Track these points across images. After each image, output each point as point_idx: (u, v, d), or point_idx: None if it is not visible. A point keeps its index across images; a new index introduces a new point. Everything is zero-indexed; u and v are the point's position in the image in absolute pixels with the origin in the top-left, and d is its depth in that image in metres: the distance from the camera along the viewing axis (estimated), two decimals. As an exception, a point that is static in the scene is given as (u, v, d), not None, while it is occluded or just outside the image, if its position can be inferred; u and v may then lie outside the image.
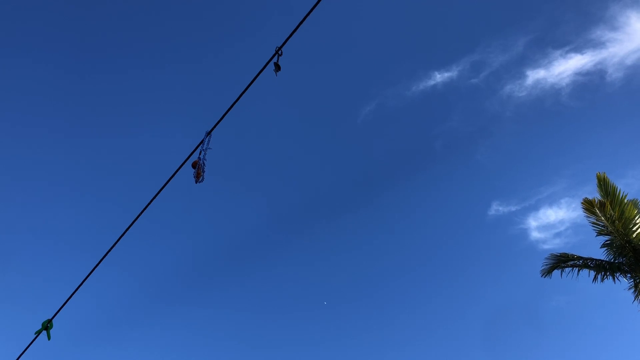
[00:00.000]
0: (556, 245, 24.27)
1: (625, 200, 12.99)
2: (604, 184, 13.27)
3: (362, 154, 28.98)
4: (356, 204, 29.65)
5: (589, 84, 24.39)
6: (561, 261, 13.81)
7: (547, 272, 14.03)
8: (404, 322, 26.69)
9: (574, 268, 13.80)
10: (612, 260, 13.40)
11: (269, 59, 4.40)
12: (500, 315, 24.92)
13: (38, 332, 6.34)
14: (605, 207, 12.83)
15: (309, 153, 28.49)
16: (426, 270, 28.00)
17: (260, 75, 4.41)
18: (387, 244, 29.05)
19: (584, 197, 13.28)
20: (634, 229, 13.06)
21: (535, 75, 24.42)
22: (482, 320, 25.53)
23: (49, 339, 6.40)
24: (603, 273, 13.41)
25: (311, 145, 28.55)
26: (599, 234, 13.51)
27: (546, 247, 24.62)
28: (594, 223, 13.42)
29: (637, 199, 13.56)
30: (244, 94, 4.55)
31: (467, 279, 27.57)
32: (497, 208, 26.01)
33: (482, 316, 25.87)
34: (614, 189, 13.11)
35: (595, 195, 13.57)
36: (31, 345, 6.23)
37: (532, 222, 25.22)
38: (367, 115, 27.05)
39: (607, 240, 13.44)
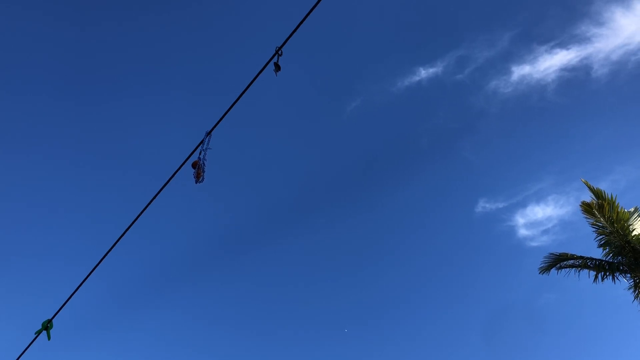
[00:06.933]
0: (544, 243, 24.24)
1: (616, 203, 13.06)
2: (592, 190, 13.36)
3: (347, 151, 28.82)
4: (340, 202, 29.56)
5: (575, 79, 24.39)
6: (561, 260, 13.85)
7: (545, 269, 14.08)
8: (391, 320, 26.71)
9: (573, 267, 13.85)
10: (611, 260, 13.45)
11: (269, 59, 4.40)
12: (491, 314, 25.00)
13: (38, 332, 6.34)
14: (604, 208, 12.88)
15: (294, 150, 28.32)
16: (412, 268, 27.97)
17: (260, 75, 4.41)
18: (373, 242, 29.05)
19: (571, 193, 13.47)
20: (632, 228, 13.13)
21: (521, 71, 24.40)
22: (473, 319, 25.59)
23: (49, 339, 6.40)
24: (603, 273, 13.45)
25: (296, 142, 28.41)
26: (599, 234, 13.56)
27: (534, 244, 24.55)
28: (593, 224, 13.47)
29: (637, 207, 13.63)
30: (244, 94, 4.55)
31: (455, 277, 27.58)
32: (484, 205, 25.97)
33: (473, 315, 25.91)
34: (602, 193, 13.17)
35: (584, 191, 13.74)
36: (31, 345, 6.23)
37: (520, 219, 25.18)
38: (352, 112, 27.01)
39: (605, 240, 13.49)
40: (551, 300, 24.56)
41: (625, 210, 13.28)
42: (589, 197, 13.43)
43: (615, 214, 12.96)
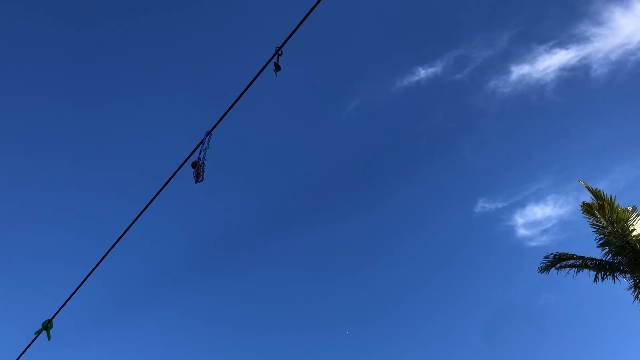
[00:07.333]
0: (543, 243, 24.24)
1: (616, 204, 13.06)
2: (591, 191, 13.38)
3: (346, 151, 28.81)
4: (340, 202, 29.54)
5: (574, 79, 24.37)
6: (560, 260, 13.86)
7: (545, 269, 14.08)
8: (391, 320, 26.70)
9: (573, 267, 13.86)
10: (611, 260, 13.45)
11: (269, 59, 4.40)
12: (491, 314, 25.00)
13: (38, 332, 6.34)
14: (604, 209, 12.89)
15: (293, 150, 28.28)
16: (412, 268, 27.98)
17: (260, 75, 4.41)
18: (372, 242, 29.03)
19: (570, 193, 13.48)
20: (632, 228, 13.14)
21: (520, 71, 24.39)
22: (473, 319, 25.58)
23: (49, 339, 6.41)
24: (603, 273, 13.45)
25: (295, 142, 28.41)
26: (599, 234, 13.57)
27: (533, 244, 24.53)
28: (593, 224, 13.48)
29: (635, 205, 13.65)
30: (244, 94, 4.55)
31: (455, 277, 27.59)
32: (483, 205, 25.96)
33: (473, 315, 25.90)
34: (601, 193, 13.18)
35: (583, 191, 13.74)
36: (31, 345, 6.23)
37: (519, 219, 25.18)
38: (351, 112, 27.00)
39: (605, 240, 13.49)
40: (551, 300, 24.58)
41: (625, 209, 13.28)
42: (588, 197, 13.46)
43: (615, 214, 12.95)
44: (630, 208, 13.43)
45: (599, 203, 13.04)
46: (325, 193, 29.15)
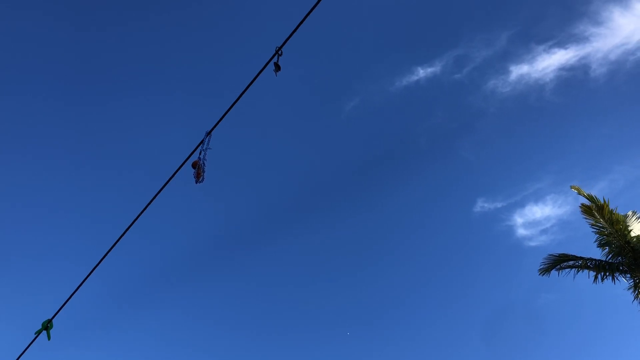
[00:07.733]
0: (543, 242, 24.26)
1: (610, 207, 13.06)
2: (584, 196, 13.38)
3: (346, 151, 28.84)
4: (340, 202, 29.56)
5: (573, 79, 24.39)
6: (560, 261, 13.85)
7: (545, 270, 14.06)
8: (391, 320, 26.70)
9: (573, 268, 13.85)
10: (611, 261, 13.45)
11: (269, 59, 4.40)
12: (491, 314, 25.01)
13: (38, 332, 6.34)
14: (604, 210, 12.90)
15: (293, 150, 28.30)
16: (412, 268, 28.01)
17: (260, 75, 4.41)
18: (373, 242, 29.06)
19: (570, 193, 13.53)
20: (630, 229, 13.16)
21: (519, 71, 24.39)
22: (473, 319, 25.58)
23: (49, 339, 6.40)
24: (603, 273, 13.45)
25: (295, 142, 28.43)
26: (599, 234, 13.57)
27: (532, 244, 24.58)
28: (593, 224, 13.48)
29: (635, 210, 13.65)
30: (243, 94, 4.55)
31: (455, 277, 27.64)
32: (482, 205, 25.97)
33: (473, 315, 25.91)
34: (594, 198, 13.19)
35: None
36: (31, 345, 6.23)
37: (518, 219, 25.22)
38: (350, 111, 26.99)
39: (605, 241, 13.49)
40: (551, 300, 24.58)
41: (620, 213, 13.28)
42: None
43: (611, 215, 12.97)
44: (630, 213, 13.45)
45: (597, 205, 13.06)
46: (325, 193, 29.18)
